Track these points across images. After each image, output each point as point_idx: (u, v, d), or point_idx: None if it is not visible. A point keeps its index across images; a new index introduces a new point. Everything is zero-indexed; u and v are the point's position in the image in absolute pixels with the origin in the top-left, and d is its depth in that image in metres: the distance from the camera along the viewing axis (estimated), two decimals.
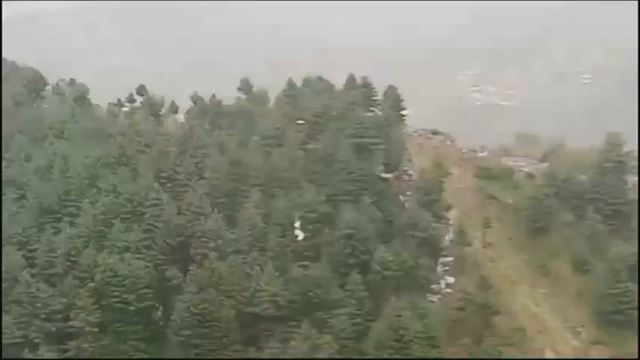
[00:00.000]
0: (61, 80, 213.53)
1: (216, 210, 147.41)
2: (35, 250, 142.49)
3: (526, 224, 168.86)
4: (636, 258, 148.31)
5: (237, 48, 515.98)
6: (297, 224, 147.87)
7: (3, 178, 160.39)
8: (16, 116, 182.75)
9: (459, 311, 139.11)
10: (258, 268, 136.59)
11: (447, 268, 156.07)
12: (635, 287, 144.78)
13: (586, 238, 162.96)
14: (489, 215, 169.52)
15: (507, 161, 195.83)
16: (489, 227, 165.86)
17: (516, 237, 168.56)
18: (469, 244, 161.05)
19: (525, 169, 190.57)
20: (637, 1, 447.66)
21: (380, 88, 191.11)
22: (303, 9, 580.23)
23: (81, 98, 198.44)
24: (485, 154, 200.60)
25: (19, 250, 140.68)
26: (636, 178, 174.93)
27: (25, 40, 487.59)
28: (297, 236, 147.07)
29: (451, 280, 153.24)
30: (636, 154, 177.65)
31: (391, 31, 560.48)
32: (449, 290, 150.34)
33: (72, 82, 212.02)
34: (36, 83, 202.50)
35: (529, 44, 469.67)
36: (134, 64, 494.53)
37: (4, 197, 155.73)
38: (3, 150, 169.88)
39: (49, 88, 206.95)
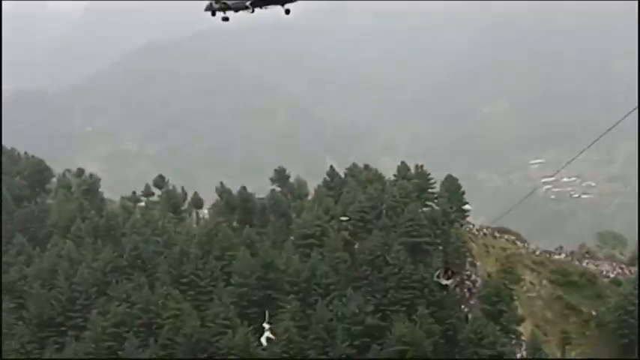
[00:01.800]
0: (68, 171, 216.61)
1: (245, 322, 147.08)
2: None
3: (613, 339, 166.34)
4: None
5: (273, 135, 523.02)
6: (266, 326, 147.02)
7: (1, 285, 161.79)
8: (16, 213, 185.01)
9: None
10: None
11: None
12: None
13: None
14: (569, 329, 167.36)
15: (589, 265, 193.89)
16: (569, 344, 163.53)
17: (601, 354, 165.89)
18: None
19: (611, 275, 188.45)
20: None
21: (437, 178, 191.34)
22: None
23: (90, 191, 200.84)
24: (562, 256, 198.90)
25: None
26: None
27: (27, 120, 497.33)
28: (262, 343, 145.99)
29: None
30: None
31: (453, 108, 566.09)
32: None
33: (80, 172, 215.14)
34: (40, 175, 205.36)
35: (606, 126, 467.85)
36: (150, 150, 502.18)
37: (2, 305, 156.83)
38: (2, 251, 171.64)
39: (54, 180, 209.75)
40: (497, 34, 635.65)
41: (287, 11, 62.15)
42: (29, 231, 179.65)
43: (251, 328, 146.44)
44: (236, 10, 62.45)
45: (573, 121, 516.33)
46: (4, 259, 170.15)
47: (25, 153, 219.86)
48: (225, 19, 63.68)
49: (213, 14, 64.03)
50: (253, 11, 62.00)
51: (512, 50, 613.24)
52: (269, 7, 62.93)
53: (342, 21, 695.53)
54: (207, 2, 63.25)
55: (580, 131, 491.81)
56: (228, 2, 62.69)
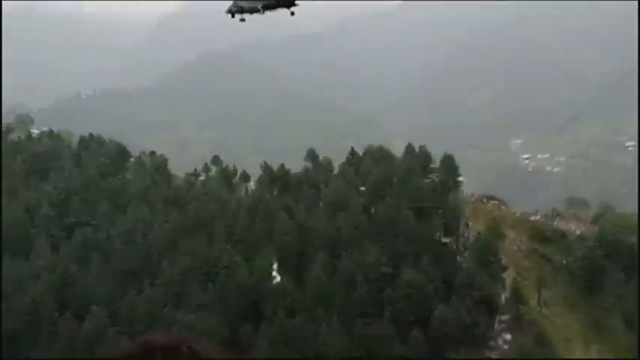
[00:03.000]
0: (143, 153, 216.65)
1: (285, 270, 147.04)
2: (119, 309, 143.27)
3: (579, 283, 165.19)
4: None
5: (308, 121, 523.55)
6: (274, 266, 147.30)
7: (91, 243, 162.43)
8: (101, 186, 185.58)
9: None
10: (324, 324, 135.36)
11: (503, 325, 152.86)
12: None
13: (637, 296, 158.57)
14: (544, 275, 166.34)
15: (559, 224, 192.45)
16: (544, 286, 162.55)
17: (570, 296, 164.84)
18: (525, 303, 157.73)
19: (577, 232, 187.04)
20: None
21: (436, 155, 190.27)
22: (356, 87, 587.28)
23: (160, 168, 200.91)
24: (538, 217, 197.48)
25: (104, 309, 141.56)
26: None
27: (110, 115, 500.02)
28: (274, 278, 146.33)
29: (508, 336, 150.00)
30: None
31: (448, 97, 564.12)
32: (506, 347, 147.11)
33: (152, 153, 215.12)
34: (120, 155, 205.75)
35: (573, 112, 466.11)
36: (207, 136, 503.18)
37: (91, 260, 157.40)
38: (91, 216, 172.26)
39: (131, 160, 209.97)
40: (485, 33, 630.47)
41: (292, 13, 61.09)
42: (112, 200, 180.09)
43: (289, 275, 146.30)
44: (251, 13, 61.55)
45: (543, 109, 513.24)
46: (93, 222, 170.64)
47: (109, 139, 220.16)
48: (242, 20, 62.76)
49: (233, 16, 63.13)
50: (264, 13, 61.07)
51: (495, 46, 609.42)
52: (277, 9, 61.98)
53: (356, 27, 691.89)
54: (229, 6, 62.35)
55: (548, 117, 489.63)
56: (244, 6, 61.77)
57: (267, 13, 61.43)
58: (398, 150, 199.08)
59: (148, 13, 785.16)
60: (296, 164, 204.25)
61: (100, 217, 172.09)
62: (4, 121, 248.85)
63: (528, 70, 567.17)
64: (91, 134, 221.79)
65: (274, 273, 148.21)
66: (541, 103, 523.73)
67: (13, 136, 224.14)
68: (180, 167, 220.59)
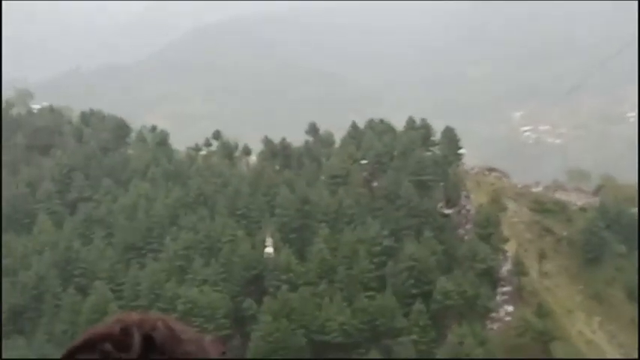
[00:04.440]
0: (144, 127, 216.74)
1: (287, 244, 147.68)
2: (122, 284, 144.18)
3: (580, 255, 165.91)
4: None
5: (307, 92, 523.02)
6: (268, 241, 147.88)
7: (93, 218, 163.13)
8: (103, 161, 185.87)
9: (518, 338, 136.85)
10: (327, 298, 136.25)
11: (505, 297, 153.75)
12: None
13: (638, 268, 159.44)
14: (545, 247, 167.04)
15: (561, 196, 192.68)
16: (545, 258, 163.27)
17: (571, 267, 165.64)
18: (526, 274, 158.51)
19: (578, 203, 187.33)
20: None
21: (437, 128, 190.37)
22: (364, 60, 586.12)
23: (162, 143, 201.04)
24: (539, 189, 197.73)
25: (107, 284, 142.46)
26: None
27: (110, 89, 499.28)
28: (268, 253, 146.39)
29: (510, 308, 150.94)
30: None
31: (448, 70, 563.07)
32: (508, 318, 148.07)
33: (153, 128, 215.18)
34: (121, 130, 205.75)
35: (575, 83, 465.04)
36: (209, 110, 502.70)
37: (94, 236, 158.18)
38: (93, 192, 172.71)
39: (132, 135, 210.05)
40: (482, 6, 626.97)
41: None
42: (114, 175, 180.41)
43: (291, 249, 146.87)
44: None
45: (543, 80, 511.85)
46: (95, 197, 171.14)
47: (109, 114, 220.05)
48: None
49: None
50: None
51: (495, 18, 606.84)
52: None
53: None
54: None
55: (549, 89, 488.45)
56: None
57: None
58: (399, 123, 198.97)
59: None
60: (297, 137, 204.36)
61: (102, 193, 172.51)
62: (3, 96, 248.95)
63: (529, 41, 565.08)
64: (91, 109, 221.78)
65: (269, 248, 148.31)
66: (541, 75, 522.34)
67: (13, 112, 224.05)
68: (181, 141, 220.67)
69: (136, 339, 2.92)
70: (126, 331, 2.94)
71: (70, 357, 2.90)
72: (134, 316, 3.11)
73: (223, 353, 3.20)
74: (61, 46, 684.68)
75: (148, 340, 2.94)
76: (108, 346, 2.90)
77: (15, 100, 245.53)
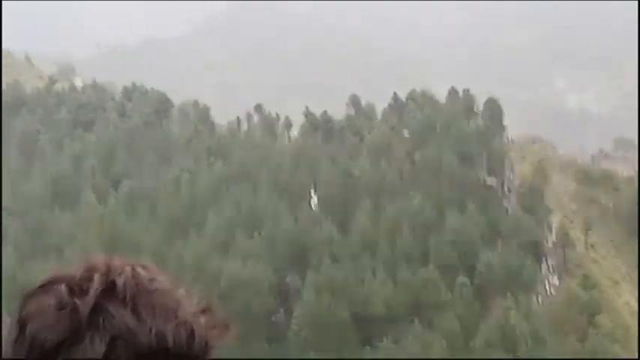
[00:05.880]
0: (185, 102, 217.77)
1: (330, 218, 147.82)
2: (166, 259, 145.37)
3: (627, 226, 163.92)
4: None
5: (349, 65, 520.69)
6: (312, 193, 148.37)
7: (137, 194, 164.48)
8: (145, 136, 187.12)
9: (564, 310, 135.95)
10: (370, 272, 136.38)
11: (550, 269, 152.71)
12: None
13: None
14: (591, 218, 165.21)
15: (606, 165, 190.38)
16: (591, 229, 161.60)
17: (617, 238, 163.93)
18: (572, 246, 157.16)
19: (624, 173, 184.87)
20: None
21: (480, 96, 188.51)
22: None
23: (203, 117, 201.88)
24: (584, 158, 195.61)
25: (151, 259, 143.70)
26: None
27: (152, 63, 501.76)
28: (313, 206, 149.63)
29: (555, 280, 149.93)
30: None
31: (493, 35, 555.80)
32: (553, 290, 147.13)
33: (195, 103, 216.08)
34: (163, 105, 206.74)
35: (619, 52, 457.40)
36: (252, 78, 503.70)
37: (137, 211, 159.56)
38: (136, 167, 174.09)
39: (174, 109, 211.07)
40: None
41: None
42: (157, 150, 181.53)
43: (334, 223, 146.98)
44: None
45: (589, 47, 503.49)
46: (137, 172, 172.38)
47: (152, 88, 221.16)
48: None
49: None
50: None
51: None
52: None
53: None
54: None
55: (594, 58, 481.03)
56: None
57: None
58: (442, 93, 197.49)
59: None
60: (339, 107, 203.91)
61: (146, 168, 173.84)
62: (47, 72, 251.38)
63: (574, 6, 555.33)
64: (133, 84, 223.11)
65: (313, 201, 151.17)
66: (587, 41, 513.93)
67: (57, 87, 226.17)
68: (223, 113, 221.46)
69: (95, 284, 2.55)
70: (88, 275, 2.61)
71: (29, 297, 2.58)
72: (103, 258, 2.74)
73: (204, 311, 2.63)
74: (102, 20, 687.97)
75: (109, 287, 2.56)
76: (63, 289, 2.55)
77: (58, 75, 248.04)
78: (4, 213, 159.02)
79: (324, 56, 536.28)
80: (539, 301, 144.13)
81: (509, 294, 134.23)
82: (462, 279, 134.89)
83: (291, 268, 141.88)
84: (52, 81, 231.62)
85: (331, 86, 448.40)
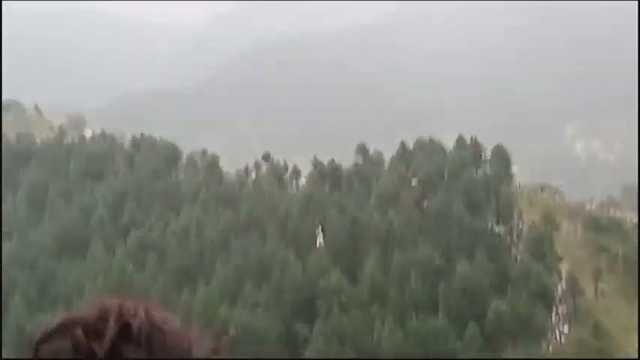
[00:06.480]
0: (194, 151, 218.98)
1: (338, 267, 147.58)
2: (175, 308, 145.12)
3: (637, 273, 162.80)
4: None
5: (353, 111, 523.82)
6: (318, 230, 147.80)
7: (145, 243, 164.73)
8: (154, 186, 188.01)
9: (575, 358, 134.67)
10: (379, 321, 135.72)
11: (560, 317, 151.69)
12: None
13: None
14: (600, 265, 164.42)
15: (615, 213, 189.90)
16: (601, 277, 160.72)
17: (628, 286, 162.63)
18: (582, 294, 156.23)
19: (633, 220, 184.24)
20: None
21: (488, 146, 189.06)
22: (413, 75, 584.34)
23: (212, 167, 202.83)
24: (593, 206, 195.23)
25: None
26: None
27: (162, 114, 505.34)
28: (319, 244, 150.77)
29: (565, 328, 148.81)
30: None
31: (500, 86, 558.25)
32: (563, 339, 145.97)
33: (204, 152, 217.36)
34: (171, 155, 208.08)
35: (628, 98, 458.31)
36: (261, 130, 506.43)
37: (146, 260, 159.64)
38: (145, 217, 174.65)
39: (183, 158, 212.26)
40: (537, 23, 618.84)
41: None
42: (165, 200, 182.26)
43: (342, 271, 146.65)
44: None
45: (598, 97, 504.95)
46: (147, 221, 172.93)
47: (160, 137, 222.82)
48: None
49: None
50: None
51: (551, 37, 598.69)
52: None
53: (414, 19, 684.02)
54: None
55: (603, 103, 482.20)
56: None
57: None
58: (449, 140, 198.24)
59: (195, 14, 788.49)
60: (346, 156, 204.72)
61: (154, 218, 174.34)
62: (57, 123, 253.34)
63: (581, 53, 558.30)
64: (142, 134, 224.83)
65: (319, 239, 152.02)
66: (595, 89, 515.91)
67: (67, 139, 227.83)
68: (232, 163, 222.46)
69: (111, 327, 2.59)
70: (102, 318, 2.64)
71: (43, 342, 2.63)
72: (116, 301, 2.75)
73: (214, 351, 2.72)
74: (113, 71, 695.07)
75: (124, 329, 2.60)
76: (79, 333, 2.59)
77: (68, 125, 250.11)
78: (13, 264, 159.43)
79: (335, 104, 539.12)
80: (550, 349, 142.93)
81: (519, 342, 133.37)
82: (471, 327, 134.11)
83: (300, 316, 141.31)
84: (62, 131, 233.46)
85: (340, 134, 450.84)
